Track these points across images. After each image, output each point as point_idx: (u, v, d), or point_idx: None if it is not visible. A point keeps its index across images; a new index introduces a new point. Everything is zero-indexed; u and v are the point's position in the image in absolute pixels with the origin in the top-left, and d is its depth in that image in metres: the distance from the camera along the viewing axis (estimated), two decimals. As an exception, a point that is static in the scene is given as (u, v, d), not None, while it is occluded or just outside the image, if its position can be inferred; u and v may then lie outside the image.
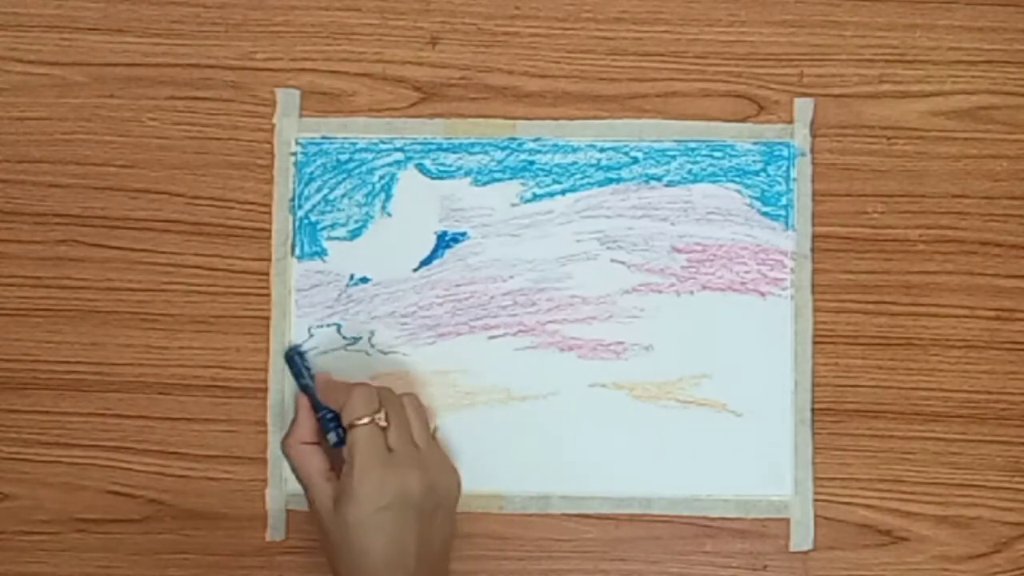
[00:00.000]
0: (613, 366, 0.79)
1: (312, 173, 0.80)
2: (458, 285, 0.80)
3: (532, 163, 0.80)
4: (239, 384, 0.79)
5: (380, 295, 0.80)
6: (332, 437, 0.73)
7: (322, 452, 0.74)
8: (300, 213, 0.80)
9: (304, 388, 0.77)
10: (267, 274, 0.80)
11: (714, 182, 0.80)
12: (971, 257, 0.80)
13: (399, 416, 0.73)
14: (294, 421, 0.75)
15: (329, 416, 0.74)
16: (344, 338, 0.79)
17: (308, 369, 0.78)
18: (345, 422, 0.72)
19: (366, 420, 0.72)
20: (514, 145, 0.80)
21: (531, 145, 0.80)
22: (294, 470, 0.74)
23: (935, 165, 0.80)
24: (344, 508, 0.70)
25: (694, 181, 0.80)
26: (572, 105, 0.81)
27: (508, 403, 0.79)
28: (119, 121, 0.81)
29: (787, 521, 0.79)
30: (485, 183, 0.80)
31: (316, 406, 0.75)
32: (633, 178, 0.80)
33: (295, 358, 0.78)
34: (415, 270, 0.80)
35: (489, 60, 0.81)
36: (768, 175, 0.80)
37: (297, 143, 0.80)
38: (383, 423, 0.72)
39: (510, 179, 0.80)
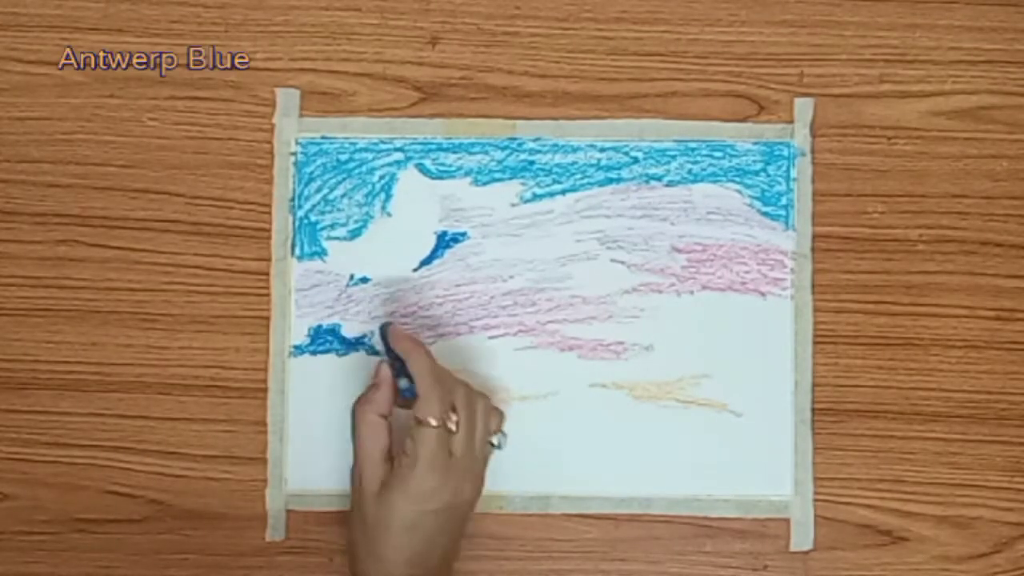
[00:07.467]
0: (613, 366, 0.79)
1: (312, 173, 0.80)
2: (458, 285, 0.80)
3: (532, 163, 0.80)
4: (239, 384, 0.79)
5: (380, 295, 0.80)
6: (403, 383, 0.72)
7: (388, 431, 0.72)
8: (300, 213, 0.80)
9: (393, 361, 0.74)
10: (267, 274, 0.80)
11: (714, 182, 0.80)
12: (971, 257, 0.80)
13: (469, 421, 0.72)
14: (374, 388, 0.73)
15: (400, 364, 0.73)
16: (345, 338, 0.80)
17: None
18: (416, 416, 0.71)
19: (436, 423, 0.70)
20: (514, 145, 0.80)
21: (531, 145, 0.80)
22: (355, 437, 0.72)
23: (935, 165, 0.80)
24: (392, 498, 0.70)
25: (694, 181, 0.80)
26: (572, 105, 0.81)
27: (508, 403, 0.79)
28: (119, 121, 0.81)
29: (787, 521, 0.79)
30: (485, 183, 0.80)
31: (398, 372, 0.73)
32: (633, 178, 0.80)
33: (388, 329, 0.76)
34: (415, 270, 0.80)
35: (489, 60, 0.81)
36: (768, 175, 0.80)
37: (297, 143, 0.80)
38: (453, 428, 0.71)
39: (510, 179, 0.80)
